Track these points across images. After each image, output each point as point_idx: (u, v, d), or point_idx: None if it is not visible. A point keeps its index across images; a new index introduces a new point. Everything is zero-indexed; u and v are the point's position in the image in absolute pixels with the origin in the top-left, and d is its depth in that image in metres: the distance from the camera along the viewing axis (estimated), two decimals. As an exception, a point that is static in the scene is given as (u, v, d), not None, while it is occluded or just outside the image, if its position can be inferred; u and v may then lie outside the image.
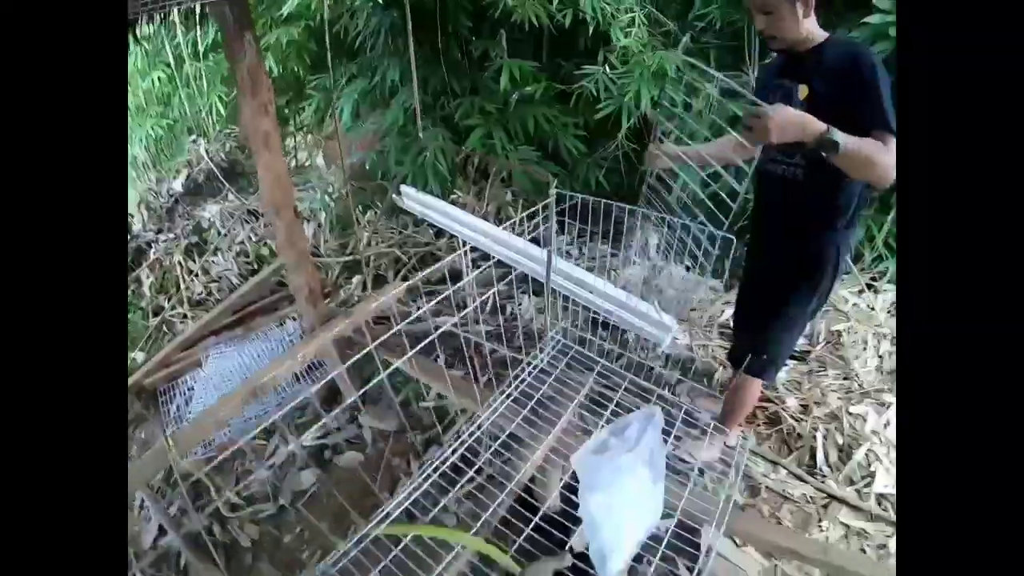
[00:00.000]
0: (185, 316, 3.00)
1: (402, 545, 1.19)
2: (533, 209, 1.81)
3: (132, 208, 3.79)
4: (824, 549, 1.44)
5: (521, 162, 2.92)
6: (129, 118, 4.57)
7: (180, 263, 3.11)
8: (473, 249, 2.56)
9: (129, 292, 3.44)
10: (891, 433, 1.96)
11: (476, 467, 1.43)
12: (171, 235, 3.28)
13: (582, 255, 2.59)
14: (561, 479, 1.53)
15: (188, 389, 2.62)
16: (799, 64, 1.37)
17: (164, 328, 3.04)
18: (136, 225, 3.60)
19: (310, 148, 4.07)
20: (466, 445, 1.45)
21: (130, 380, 2.79)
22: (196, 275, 3.10)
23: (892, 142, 1.18)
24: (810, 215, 1.44)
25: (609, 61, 2.70)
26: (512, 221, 1.86)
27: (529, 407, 1.55)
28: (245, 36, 1.75)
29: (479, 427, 1.49)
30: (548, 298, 1.76)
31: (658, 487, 1.26)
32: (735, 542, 1.64)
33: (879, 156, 1.18)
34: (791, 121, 1.18)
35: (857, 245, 2.49)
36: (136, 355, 3.15)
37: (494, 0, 2.65)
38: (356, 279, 2.88)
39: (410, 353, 1.23)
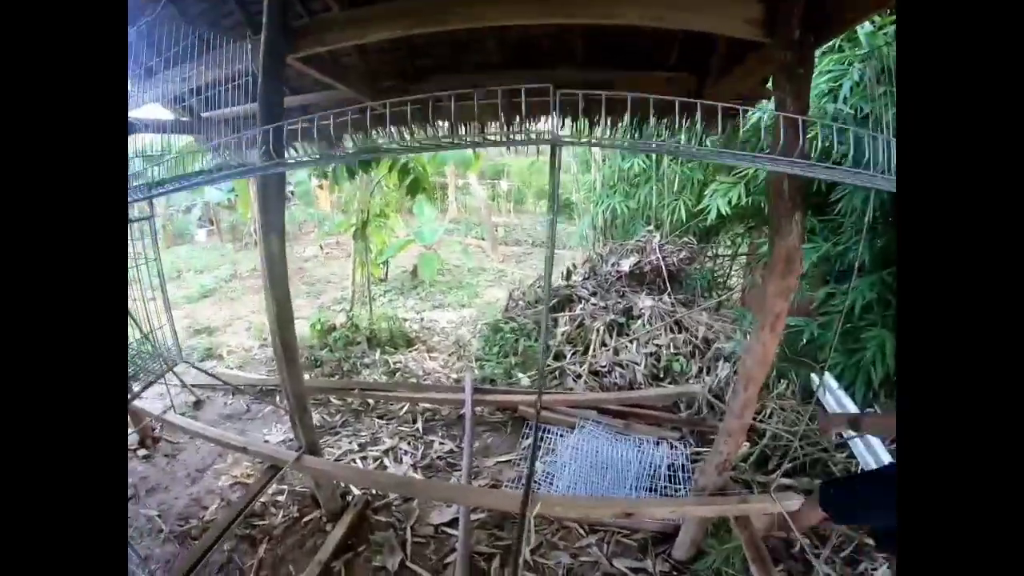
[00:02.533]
0: (579, 376, 3.33)
1: None
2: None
3: (577, 262, 4.46)
4: None
5: None
6: (594, 191, 5.42)
7: (598, 331, 3.47)
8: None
9: (542, 327, 4.03)
10: None
11: None
12: (602, 303, 3.71)
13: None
14: None
15: (551, 436, 2.84)
16: None
17: (557, 374, 3.41)
18: (576, 277, 4.22)
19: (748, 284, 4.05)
20: None
21: (510, 398, 3.22)
22: (607, 350, 3.41)
23: None
24: None
25: None
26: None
27: None
28: (795, 216, 1.73)
29: None
30: None
31: None
32: None
33: None
34: None
35: None
36: (523, 377, 3.60)
37: None
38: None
39: None
